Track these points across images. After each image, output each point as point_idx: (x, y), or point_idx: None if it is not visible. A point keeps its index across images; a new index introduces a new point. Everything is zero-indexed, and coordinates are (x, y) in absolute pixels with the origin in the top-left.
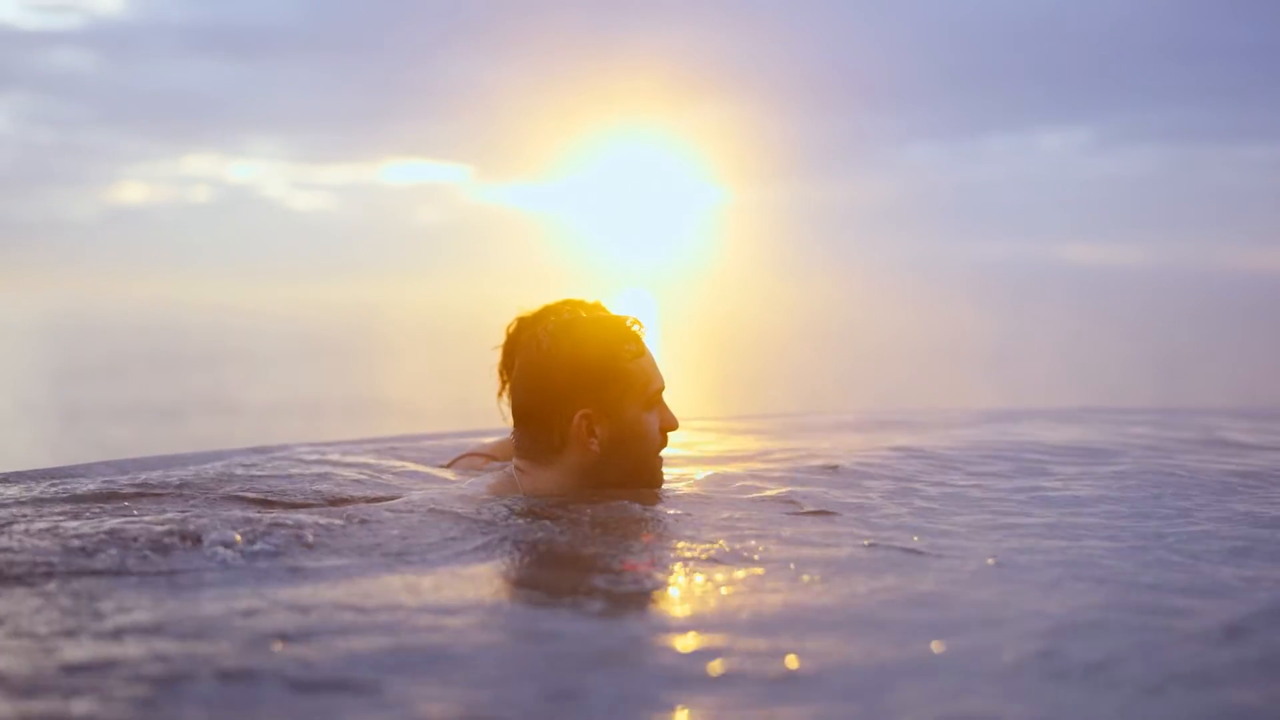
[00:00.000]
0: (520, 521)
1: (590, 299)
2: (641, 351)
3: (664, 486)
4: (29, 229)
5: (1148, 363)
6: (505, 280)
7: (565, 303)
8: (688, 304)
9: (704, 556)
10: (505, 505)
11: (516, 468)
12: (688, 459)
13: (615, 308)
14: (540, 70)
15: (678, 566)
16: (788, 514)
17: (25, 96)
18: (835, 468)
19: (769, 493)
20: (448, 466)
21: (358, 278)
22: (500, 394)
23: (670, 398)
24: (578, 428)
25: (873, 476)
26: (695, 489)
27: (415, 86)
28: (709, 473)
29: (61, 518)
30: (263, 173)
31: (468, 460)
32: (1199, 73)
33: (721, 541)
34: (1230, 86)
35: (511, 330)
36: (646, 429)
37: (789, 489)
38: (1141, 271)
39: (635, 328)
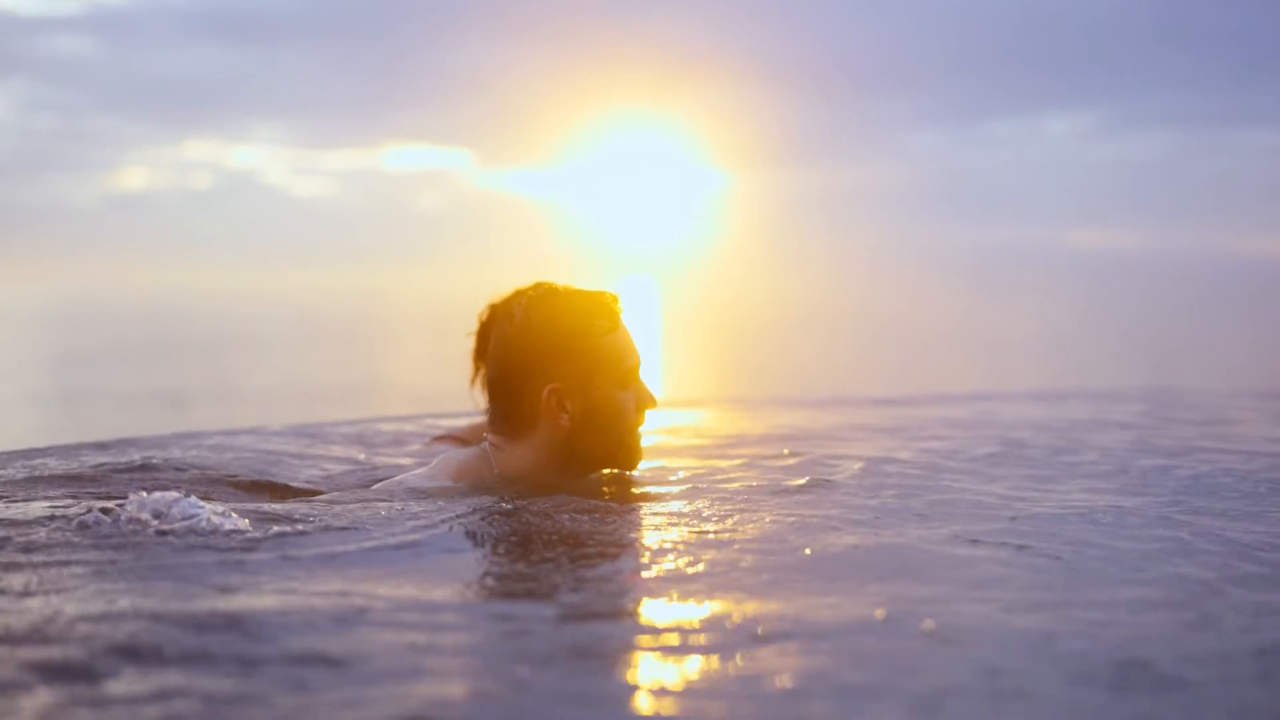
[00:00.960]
0: (486, 507)
1: (562, 282)
2: (614, 327)
3: (642, 467)
4: (30, 215)
5: (1150, 346)
6: (507, 266)
7: (537, 284)
8: (691, 289)
9: (668, 538)
10: (473, 491)
11: (491, 444)
12: (681, 442)
13: (592, 287)
14: (542, 55)
15: (643, 548)
16: (764, 495)
17: (26, 82)
18: (791, 455)
19: (745, 475)
20: (425, 448)
21: (360, 264)
22: (473, 380)
23: (673, 381)
24: (547, 402)
25: (853, 456)
26: (673, 470)
27: (416, 71)
28: (691, 454)
29: (13, 500)
30: (264, 159)
31: (439, 443)
32: (1204, 58)
33: (688, 522)
34: (1235, 71)
35: (484, 316)
36: (619, 405)
37: (769, 469)
38: (1146, 256)
39: (616, 304)
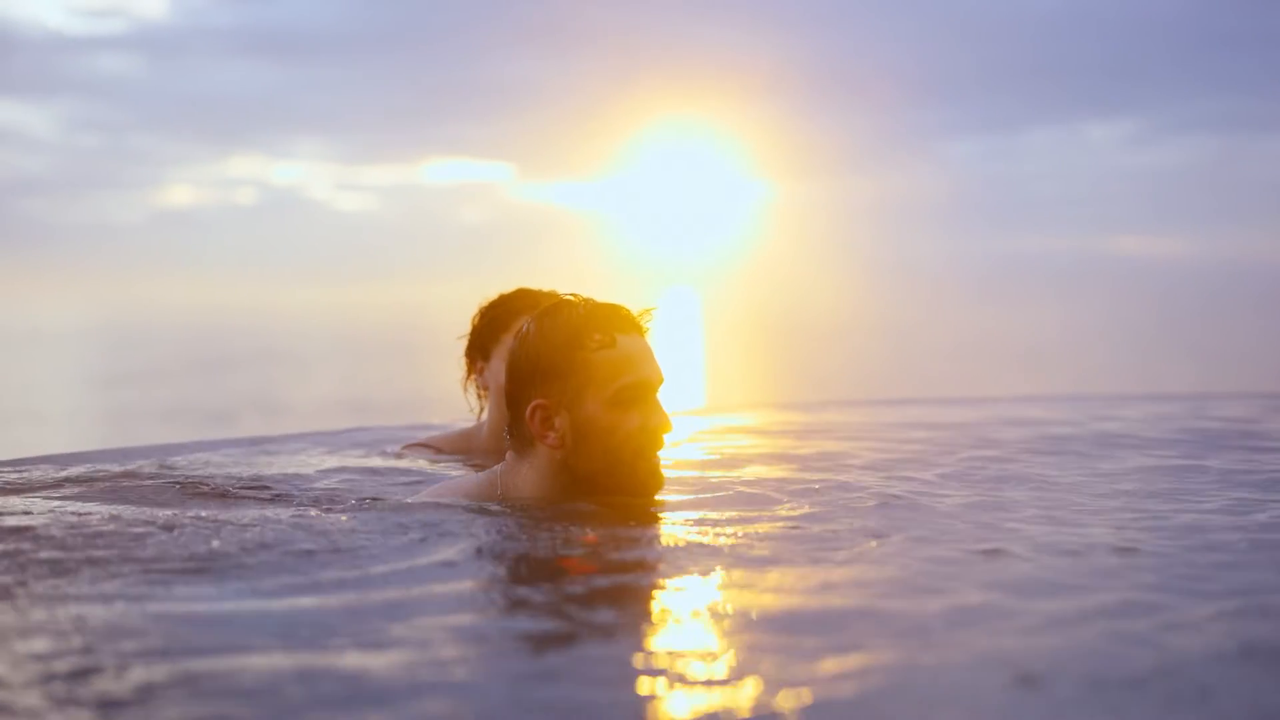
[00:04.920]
0: (484, 529)
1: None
2: (611, 343)
3: (664, 491)
4: (78, 233)
5: (1193, 353)
6: (549, 278)
7: (557, 296)
8: (733, 299)
9: (652, 559)
10: (469, 511)
11: (505, 462)
12: (715, 454)
13: (615, 301)
14: (581, 68)
15: (625, 568)
16: (767, 514)
17: (72, 101)
18: (816, 469)
19: (767, 494)
20: (395, 457)
21: (403, 276)
22: (464, 382)
23: (715, 390)
24: (531, 419)
25: (879, 473)
26: (687, 490)
27: (457, 85)
28: (721, 470)
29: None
30: (307, 174)
31: (414, 450)
32: (1245, 62)
33: (680, 542)
34: (1278, 75)
35: (475, 321)
36: (610, 425)
37: (790, 488)
38: (1190, 262)
39: (627, 319)
